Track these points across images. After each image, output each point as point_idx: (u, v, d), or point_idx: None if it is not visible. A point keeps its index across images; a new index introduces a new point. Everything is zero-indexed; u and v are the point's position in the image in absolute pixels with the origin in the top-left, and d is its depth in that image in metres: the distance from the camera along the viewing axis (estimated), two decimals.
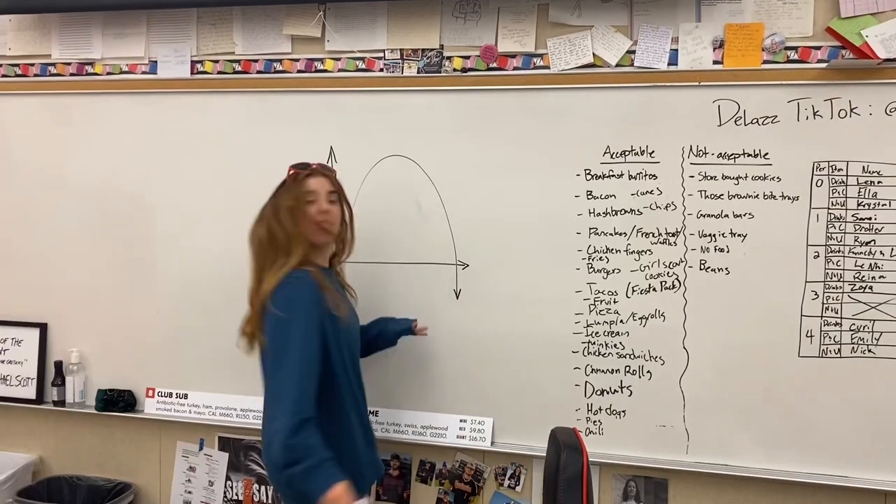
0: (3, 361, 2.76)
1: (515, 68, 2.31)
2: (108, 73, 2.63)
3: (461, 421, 2.38)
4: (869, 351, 2.11)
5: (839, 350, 2.12)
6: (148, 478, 2.68)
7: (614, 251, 2.26)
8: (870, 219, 2.09)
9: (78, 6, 2.55)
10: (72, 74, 2.66)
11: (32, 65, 2.69)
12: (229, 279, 2.34)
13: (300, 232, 1.84)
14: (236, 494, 2.61)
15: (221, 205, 2.51)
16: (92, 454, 2.72)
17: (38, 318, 2.72)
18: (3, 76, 2.71)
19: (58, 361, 2.68)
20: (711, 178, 2.18)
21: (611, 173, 2.25)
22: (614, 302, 2.27)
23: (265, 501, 2.59)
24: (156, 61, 2.57)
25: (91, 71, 2.64)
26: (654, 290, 2.24)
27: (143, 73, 2.59)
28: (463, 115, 2.33)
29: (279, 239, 1.83)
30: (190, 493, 2.65)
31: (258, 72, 2.49)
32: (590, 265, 2.28)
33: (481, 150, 2.32)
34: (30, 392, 2.73)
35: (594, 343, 2.29)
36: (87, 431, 2.72)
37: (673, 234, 2.22)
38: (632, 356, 2.27)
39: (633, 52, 2.22)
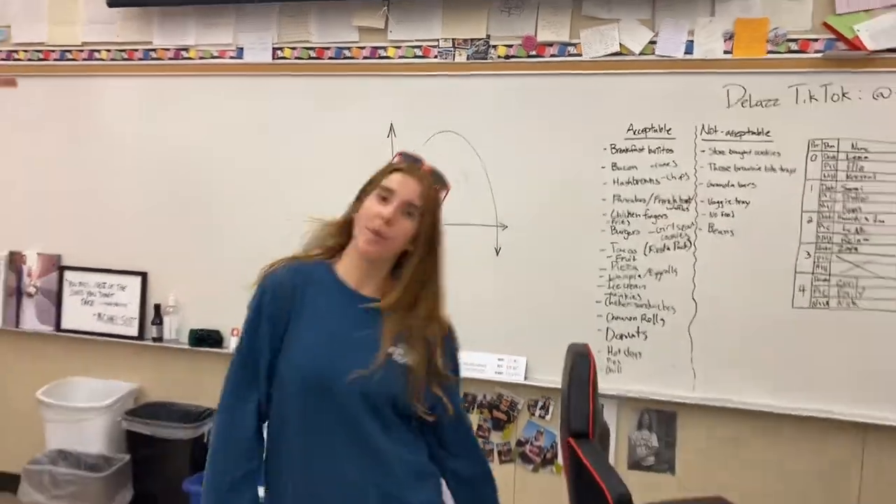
0: (109, 304, 3.24)
1: (552, 55, 2.67)
2: (201, 58, 3.06)
3: (499, 359, 2.79)
4: (853, 303, 2.44)
5: (827, 302, 2.47)
6: None
7: (634, 215, 2.63)
8: (857, 189, 2.42)
9: (177, 0, 2.99)
10: (170, 59, 3.10)
11: (136, 50, 3.14)
12: (294, 237, 2.77)
13: (341, 225, 1.49)
14: None
15: (295, 173, 2.94)
16: (184, 384, 3.20)
17: (140, 268, 3.19)
18: (112, 59, 3.17)
19: (157, 304, 3.16)
20: (720, 152, 2.53)
21: (633, 147, 2.61)
22: (633, 259, 2.64)
23: None
24: (242, 48, 3.00)
25: (186, 56, 3.08)
26: (668, 249, 2.60)
27: (231, 58, 3.02)
28: (505, 97, 2.71)
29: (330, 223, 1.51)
30: None
31: (330, 58, 2.90)
32: (613, 227, 2.65)
33: (520, 127, 2.70)
34: (132, 330, 3.21)
35: (615, 294, 2.66)
36: (181, 364, 3.19)
37: (686, 201, 2.57)
38: (647, 306, 2.64)
39: (655, 42, 2.57)
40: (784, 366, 2.51)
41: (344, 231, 1.47)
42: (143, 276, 3.20)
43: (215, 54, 3.04)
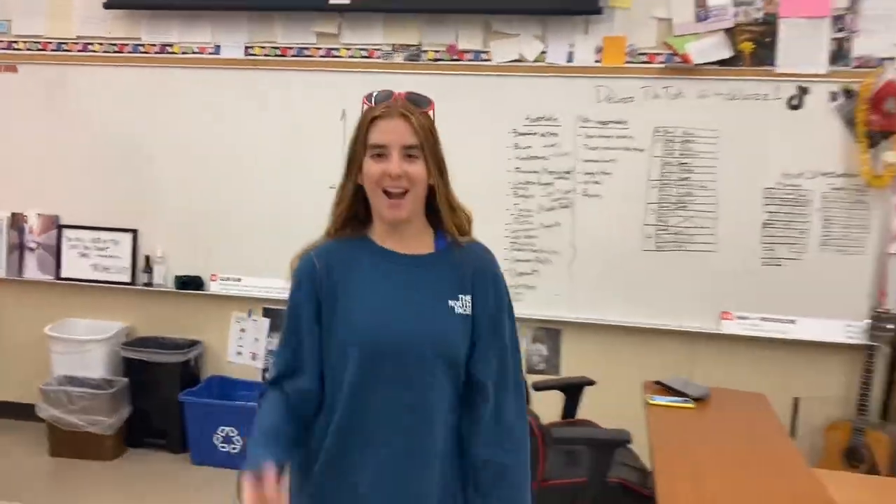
0: (104, 256, 3.89)
1: (469, 60, 3.49)
2: (183, 53, 3.73)
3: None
4: (683, 246, 3.39)
5: (666, 246, 3.40)
6: (211, 336, 3.87)
7: (531, 183, 3.49)
8: (686, 164, 3.35)
9: (161, 5, 3.64)
10: (156, 53, 3.75)
11: (126, 44, 3.78)
12: (266, 198, 3.53)
13: (350, 199, 1.43)
14: (274, 342, 3.82)
15: (261, 147, 3.65)
16: (171, 321, 3.89)
17: (132, 226, 3.85)
18: (105, 52, 3.79)
19: (146, 255, 3.83)
20: (592, 136, 3.41)
21: (529, 132, 3.46)
22: (530, 216, 3.50)
23: None
24: (219, 45, 3.69)
25: (171, 51, 3.74)
26: (555, 208, 3.48)
27: (209, 53, 3.70)
28: (432, 91, 3.49)
29: (337, 198, 1.45)
30: (241, 346, 3.85)
31: (292, 55, 3.63)
32: (515, 192, 3.50)
33: (446, 114, 3.50)
34: (125, 277, 3.87)
35: (517, 243, 3.52)
36: (168, 305, 3.88)
37: (567, 172, 3.45)
38: (540, 251, 3.51)
39: (545, 52, 3.42)
40: (637, 292, 3.44)
41: (357, 201, 1.42)
42: (134, 232, 3.86)
43: (196, 50, 3.72)
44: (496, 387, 1.44)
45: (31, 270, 3.96)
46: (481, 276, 1.47)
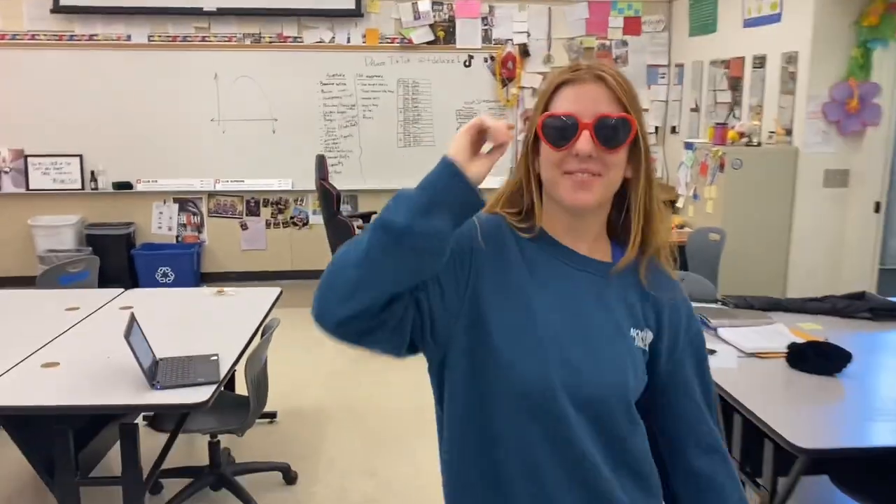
0: (60, 174, 6.01)
1: (291, 42, 6.05)
2: (106, 40, 5.90)
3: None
4: (419, 145, 6.26)
5: (410, 144, 6.26)
6: (140, 219, 6.19)
7: (332, 112, 6.16)
8: (416, 98, 6.19)
9: (91, 9, 5.78)
10: (86, 41, 5.89)
11: (64, 35, 5.86)
12: (168, 127, 5.94)
13: (518, 179, 1.15)
14: (182, 220, 6.22)
15: (163, 98, 5.98)
16: (113, 212, 6.13)
17: (78, 151, 6.01)
18: (48, 40, 5.85)
19: (91, 170, 6.03)
20: (364, 84, 6.14)
21: (329, 83, 6.12)
22: (334, 132, 6.19)
23: (197, 223, 6.23)
24: (130, 35, 5.91)
25: (97, 39, 5.90)
26: (347, 126, 6.19)
27: (124, 41, 5.91)
28: (271, 62, 6.04)
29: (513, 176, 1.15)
30: (160, 223, 6.20)
31: (180, 41, 5.95)
32: (324, 117, 6.16)
33: (278, 76, 6.07)
34: (77, 185, 6.04)
35: (327, 146, 6.20)
36: (109, 202, 6.12)
37: (353, 106, 6.16)
38: (341, 151, 6.22)
39: (334, 37, 6.06)
40: (394, 170, 6.27)
41: (527, 192, 1.13)
42: (80, 157, 6.02)
43: (114, 38, 5.91)
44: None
45: (7, 186, 5.99)
46: (675, 312, 1.14)
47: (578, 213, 1.10)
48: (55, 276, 3.87)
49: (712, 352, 2.64)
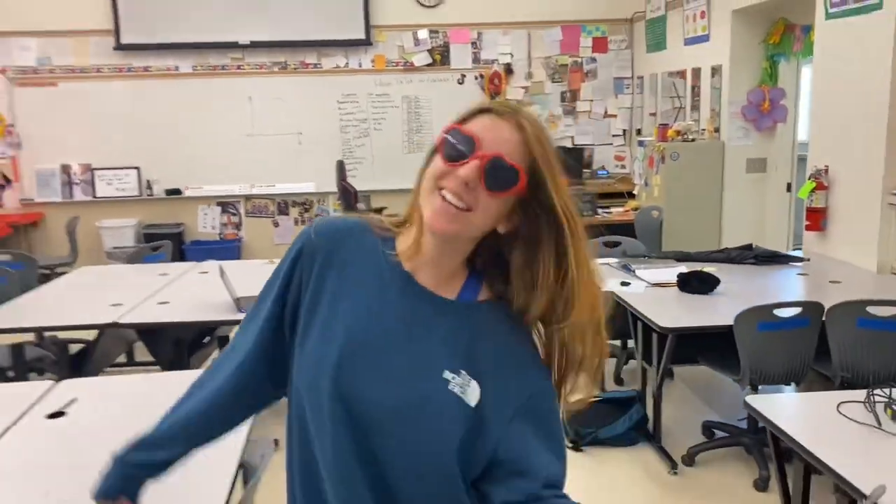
0: (122, 183, 7.17)
1: (312, 68, 7.20)
2: (157, 71, 7.08)
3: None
4: (420, 151, 7.40)
5: (413, 151, 7.39)
6: (189, 221, 7.34)
7: (348, 125, 7.30)
8: (418, 112, 7.33)
9: (144, 46, 6.97)
10: (140, 72, 7.07)
11: (123, 68, 7.05)
12: (212, 141, 7.11)
13: (417, 194, 1.08)
14: (223, 220, 7.37)
15: (205, 116, 7.14)
16: (165, 215, 7.28)
17: (136, 164, 7.17)
18: (110, 72, 7.04)
19: (147, 180, 7.19)
20: (374, 101, 7.28)
21: (344, 101, 7.27)
22: (349, 142, 7.33)
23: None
24: (178, 66, 7.08)
25: (149, 70, 7.08)
26: (360, 137, 7.33)
27: (173, 71, 7.09)
28: (296, 85, 7.20)
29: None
30: (205, 224, 7.35)
31: (219, 69, 7.12)
32: (340, 129, 7.30)
33: (302, 96, 7.22)
34: (135, 192, 7.19)
35: (344, 154, 7.33)
36: (161, 207, 7.27)
37: (365, 120, 7.30)
38: (356, 158, 7.36)
39: (348, 62, 7.21)
40: (401, 173, 7.39)
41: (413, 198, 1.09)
42: (138, 169, 7.19)
43: (164, 69, 7.09)
44: None
45: (79, 195, 7.16)
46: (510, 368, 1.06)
47: (434, 234, 1.04)
48: (140, 255, 5.01)
49: (626, 283, 3.75)
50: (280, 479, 1.18)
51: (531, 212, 1.03)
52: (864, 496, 1.62)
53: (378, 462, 1.02)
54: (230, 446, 1.79)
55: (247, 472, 1.88)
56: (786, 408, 2.27)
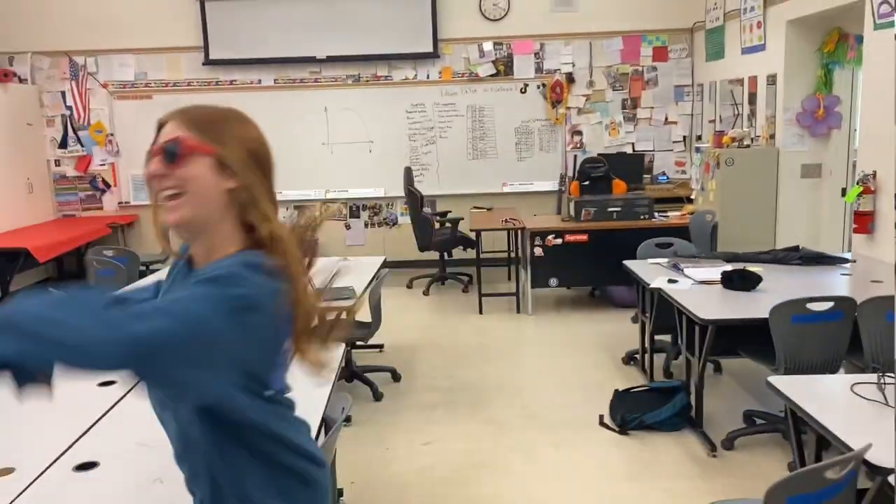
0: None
1: (384, 80, 7.65)
2: (242, 84, 7.65)
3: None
4: (485, 156, 7.75)
5: (477, 157, 7.75)
6: None
7: (416, 133, 7.71)
8: (482, 120, 7.68)
9: (231, 62, 7.55)
10: (227, 85, 7.66)
11: (211, 81, 7.64)
12: (296, 151, 7.60)
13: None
14: None
15: (286, 126, 7.68)
16: None
17: None
18: (199, 86, 7.64)
19: None
20: (440, 110, 7.67)
21: (412, 110, 7.69)
22: (417, 149, 7.74)
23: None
24: (261, 79, 7.64)
25: (236, 83, 7.66)
26: (427, 144, 7.73)
27: (256, 84, 7.65)
28: (370, 96, 7.66)
29: None
30: None
31: (298, 82, 7.64)
32: (409, 137, 7.72)
33: (380, 105, 7.67)
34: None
35: (412, 161, 7.75)
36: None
37: (432, 128, 7.70)
38: (423, 164, 7.77)
39: (416, 74, 7.63)
40: (466, 176, 7.75)
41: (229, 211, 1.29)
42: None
43: (249, 82, 7.65)
44: None
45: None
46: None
47: (180, 233, 1.21)
48: None
49: (674, 281, 4.01)
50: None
51: (226, 165, 1.26)
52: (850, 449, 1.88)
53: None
54: (315, 403, 2.12)
55: (328, 423, 2.22)
56: (804, 386, 2.50)
